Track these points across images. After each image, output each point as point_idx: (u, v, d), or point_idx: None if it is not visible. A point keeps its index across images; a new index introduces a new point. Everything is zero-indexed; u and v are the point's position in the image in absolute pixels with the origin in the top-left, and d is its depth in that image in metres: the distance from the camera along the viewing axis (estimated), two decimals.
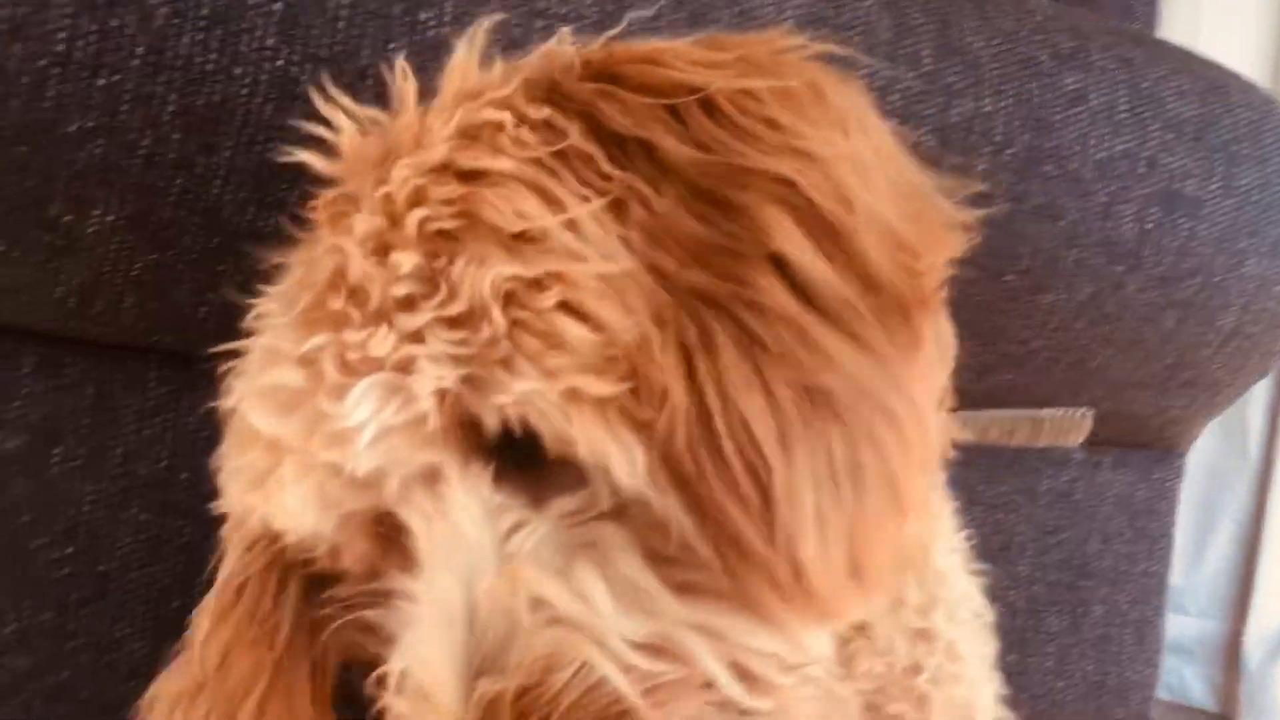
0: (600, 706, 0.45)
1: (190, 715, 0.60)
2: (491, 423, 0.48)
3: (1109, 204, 0.95)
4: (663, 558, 0.47)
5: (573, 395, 0.45)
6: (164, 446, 0.85)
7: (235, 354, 0.57)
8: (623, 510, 0.48)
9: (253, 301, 0.57)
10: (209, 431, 0.86)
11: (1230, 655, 2.60)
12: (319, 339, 0.49)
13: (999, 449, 1.06)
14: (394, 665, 0.49)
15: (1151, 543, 1.20)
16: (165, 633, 0.86)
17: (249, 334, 0.56)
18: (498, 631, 0.46)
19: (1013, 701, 1.13)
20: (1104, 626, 1.17)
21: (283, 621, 0.61)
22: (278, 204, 0.75)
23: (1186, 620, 2.68)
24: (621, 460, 0.46)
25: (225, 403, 0.57)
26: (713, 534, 0.45)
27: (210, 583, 0.87)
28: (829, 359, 0.45)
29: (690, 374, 0.45)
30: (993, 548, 1.12)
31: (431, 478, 0.50)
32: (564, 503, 0.49)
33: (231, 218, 0.75)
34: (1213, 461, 2.70)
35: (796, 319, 0.45)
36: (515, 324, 0.46)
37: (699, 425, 0.45)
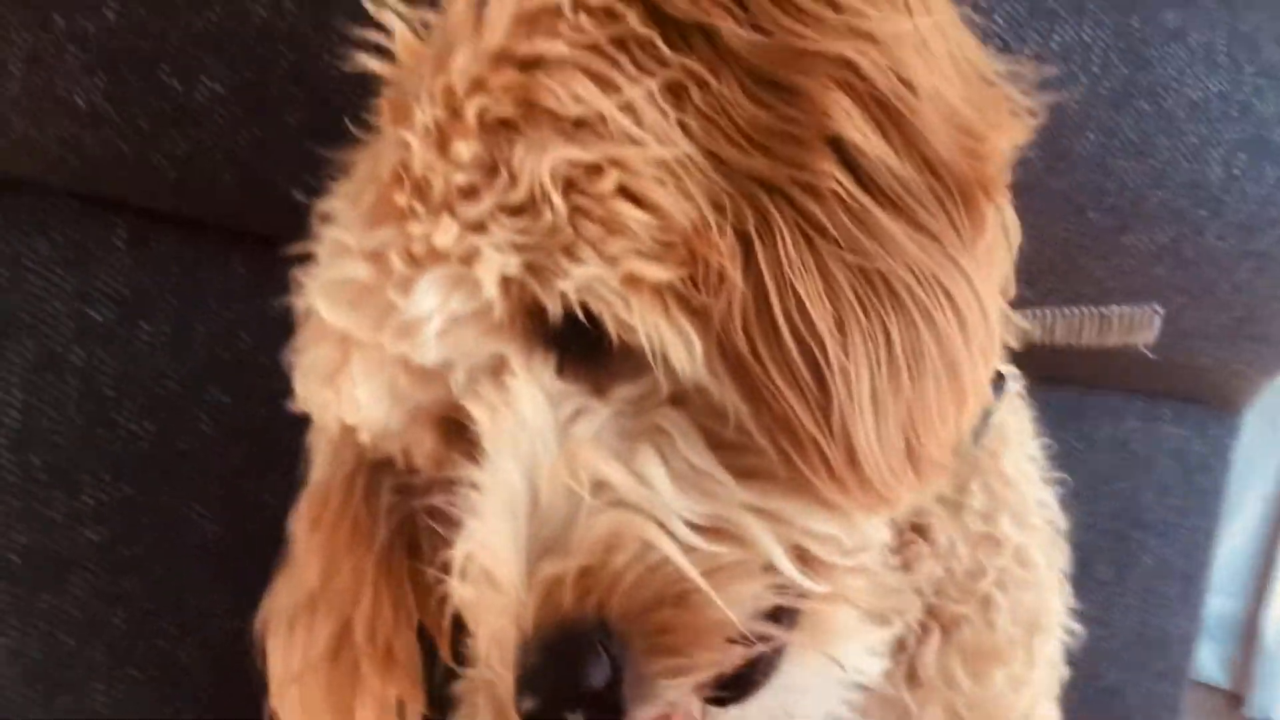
0: (661, 586, 0.45)
1: (310, 630, 0.61)
2: (554, 310, 0.48)
3: (1199, 146, 0.94)
4: (722, 443, 0.48)
5: (631, 280, 0.45)
6: (245, 330, 0.86)
7: (308, 252, 0.57)
8: (682, 397, 0.48)
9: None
10: (289, 321, 0.87)
11: (1248, 634, 2.60)
12: (385, 233, 0.49)
13: (1060, 393, 1.05)
14: (459, 551, 0.49)
15: (1203, 498, 1.20)
16: (236, 516, 0.87)
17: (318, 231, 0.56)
18: (559, 515, 0.46)
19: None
20: (1151, 578, 1.17)
21: (378, 523, 0.61)
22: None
23: (1206, 597, 2.69)
24: (679, 346, 0.46)
25: (298, 299, 0.58)
26: (768, 419, 0.45)
27: (285, 472, 0.88)
28: (888, 243, 0.45)
29: (747, 259, 0.45)
30: None
31: (497, 368, 0.50)
32: (625, 390, 0.49)
33: (335, 98, 0.75)
34: (1242, 440, 2.70)
35: (855, 203, 0.45)
36: (575, 210, 0.46)
37: (756, 310, 0.45)
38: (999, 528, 0.62)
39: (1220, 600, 2.68)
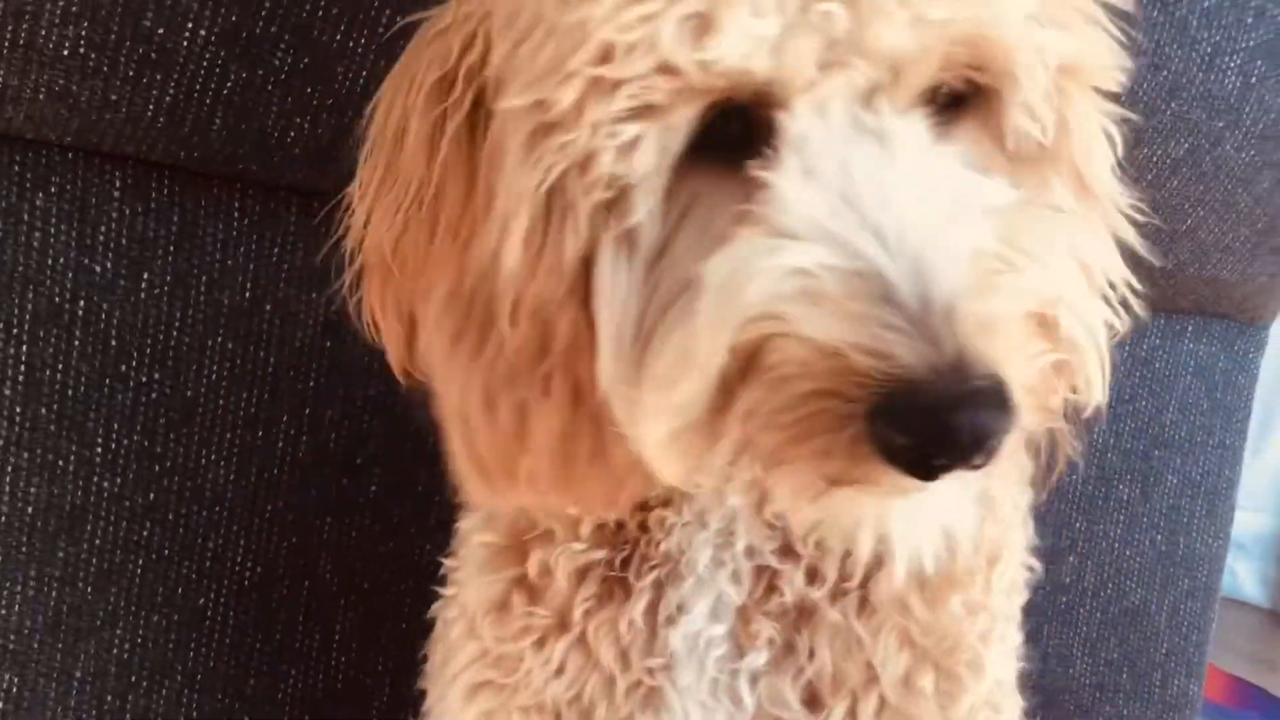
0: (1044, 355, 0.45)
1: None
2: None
3: (1213, 55, 0.92)
4: None
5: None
6: (246, 276, 0.86)
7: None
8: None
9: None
10: (290, 263, 0.87)
11: None
12: None
13: None
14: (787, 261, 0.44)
15: (1228, 414, 1.18)
16: (247, 462, 0.88)
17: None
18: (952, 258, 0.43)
19: (1078, 568, 1.13)
20: (1175, 497, 1.16)
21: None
22: (370, 23, 0.74)
23: (1242, 515, 2.64)
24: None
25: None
26: None
27: (294, 416, 0.88)
28: None
29: None
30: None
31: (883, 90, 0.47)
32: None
33: (321, 36, 0.74)
34: (1276, 357, 2.66)
35: None
36: None
37: None
38: None
39: (1257, 517, 2.65)
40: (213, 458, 0.87)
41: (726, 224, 0.46)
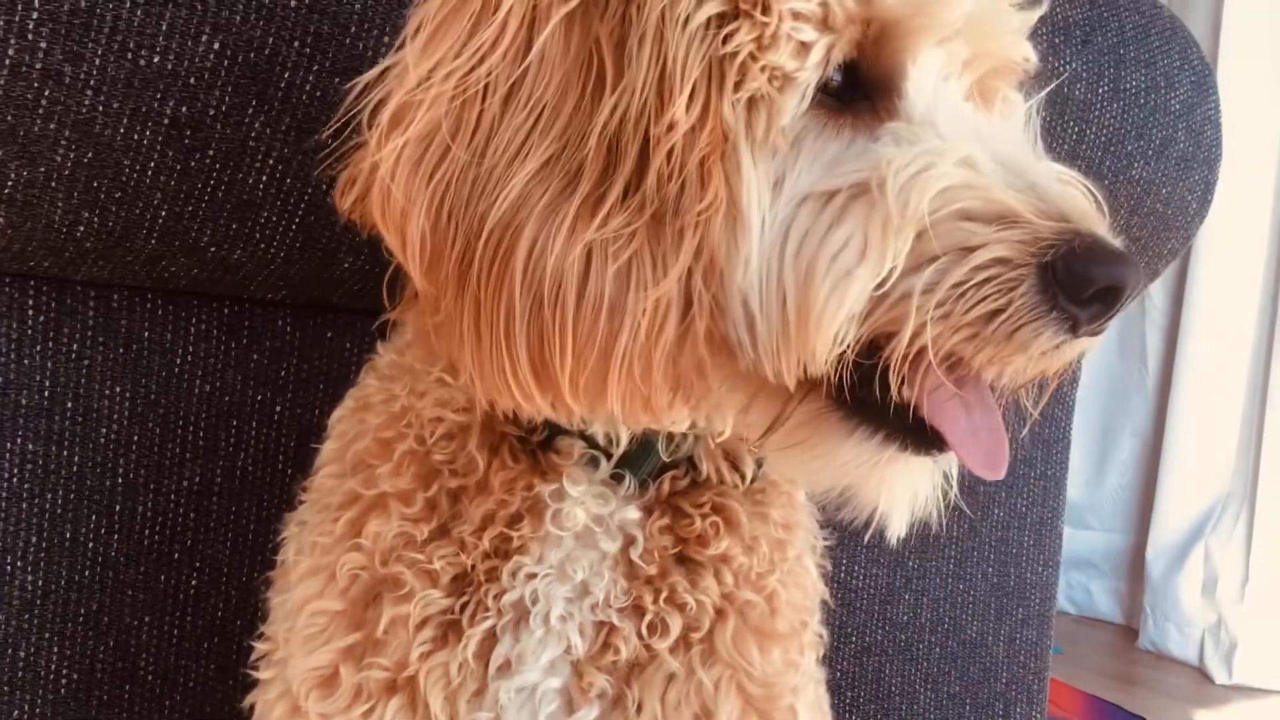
0: None
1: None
2: None
3: None
4: None
5: None
6: (44, 375, 0.83)
7: None
8: None
9: None
10: (90, 358, 0.85)
11: (1135, 567, 2.68)
12: None
13: None
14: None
15: (1048, 447, 1.22)
16: (56, 563, 0.85)
17: None
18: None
19: (913, 606, 1.16)
20: (1003, 529, 1.20)
21: None
22: (153, 115, 0.73)
23: (1092, 535, 2.76)
24: None
25: None
26: None
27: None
28: None
29: None
30: None
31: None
32: None
33: (104, 131, 0.73)
34: (1113, 380, 2.77)
35: None
36: None
37: None
38: (791, 537, 0.67)
39: (1107, 537, 2.76)
40: (18, 563, 0.84)
41: (841, 150, 0.55)
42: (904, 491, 0.56)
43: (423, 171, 0.53)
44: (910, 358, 0.52)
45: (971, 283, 0.50)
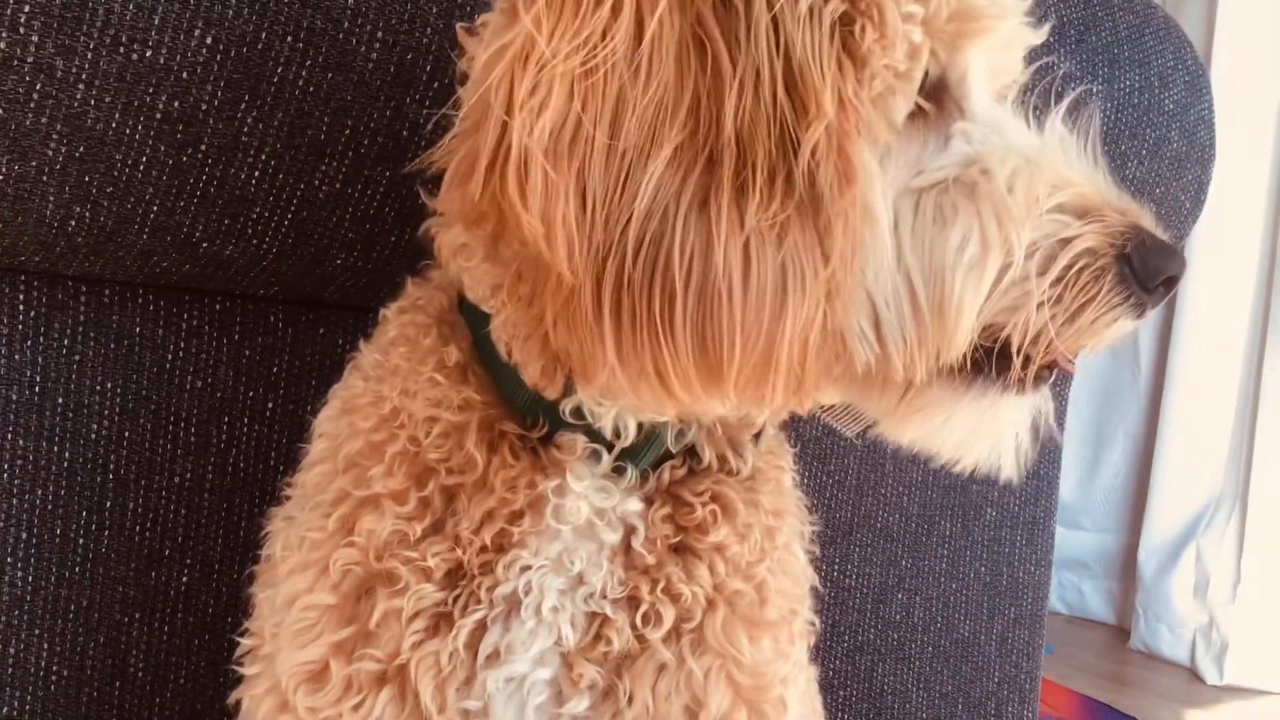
0: None
1: None
2: None
3: None
4: None
5: None
6: (35, 370, 0.83)
7: None
8: None
9: None
10: (81, 353, 0.84)
11: (1126, 568, 2.68)
12: None
13: None
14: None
15: (1041, 448, 1.22)
16: (46, 559, 0.85)
17: None
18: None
19: (906, 605, 1.16)
20: (995, 529, 1.20)
21: None
22: (145, 110, 0.73)
23: (1084, 536, 2.76)
24: None
25: None
26: None
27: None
28: None
29: None
30: (885, 456, 1.14)
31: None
32: None
33: (95, 125, 0.73)
34: (1105, 381, 2.77)
35: None
36: None
37: None
38: (780, 524, 0.67)
39: (1098, 538, 2.76)
40: (8, 559, 0.83)
41: (920, 147, 0.59)
42: (1009, 433, 0.61)
43: (562, 153, 0.52)
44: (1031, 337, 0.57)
45: (1073, 269, 0.56)
